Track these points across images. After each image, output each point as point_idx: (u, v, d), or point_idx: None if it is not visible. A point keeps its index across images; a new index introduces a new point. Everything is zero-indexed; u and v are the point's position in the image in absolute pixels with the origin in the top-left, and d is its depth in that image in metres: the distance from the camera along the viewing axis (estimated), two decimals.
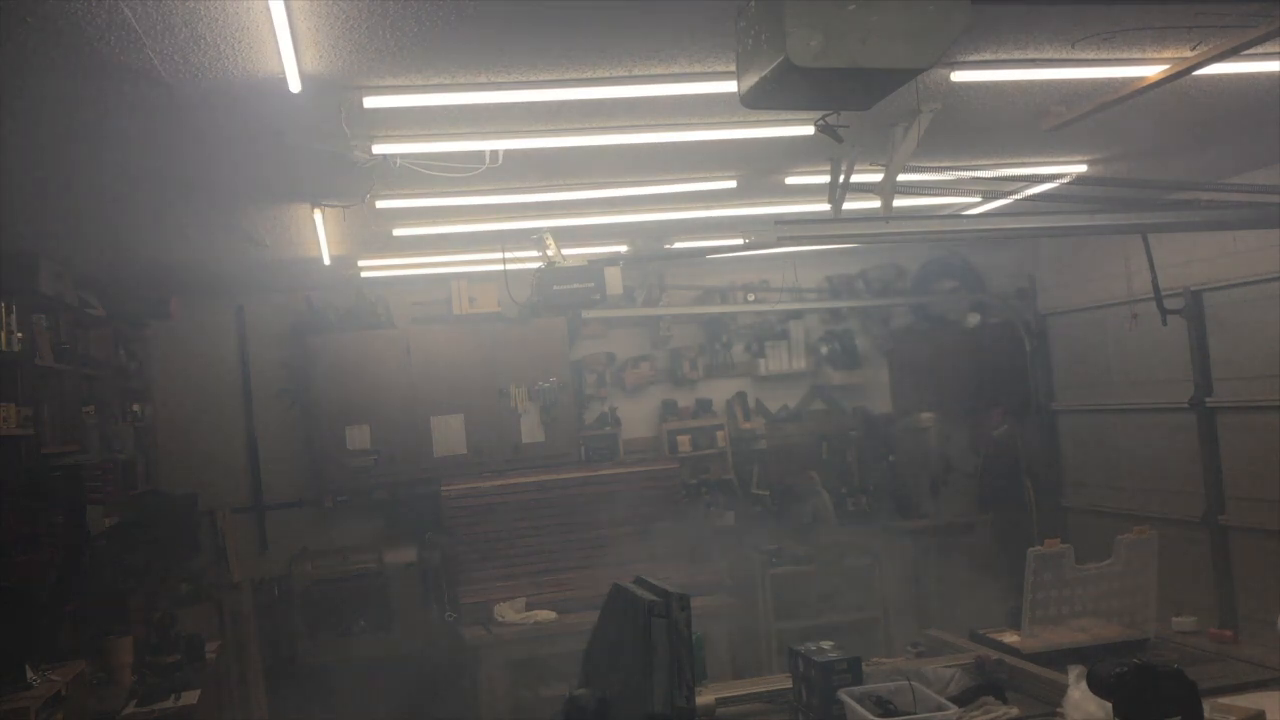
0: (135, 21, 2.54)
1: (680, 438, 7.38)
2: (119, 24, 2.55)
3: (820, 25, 2.22)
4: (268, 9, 2.51)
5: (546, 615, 5.99)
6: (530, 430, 7.02)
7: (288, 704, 6.33)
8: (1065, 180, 4.90)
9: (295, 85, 2.99)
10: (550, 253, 5.43)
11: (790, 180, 4.95)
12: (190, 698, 4.83)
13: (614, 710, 2.64)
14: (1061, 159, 5.03)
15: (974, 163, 4.86)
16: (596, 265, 5.43)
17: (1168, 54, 3.45)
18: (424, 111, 3.47)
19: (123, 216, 4.56)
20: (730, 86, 2.57)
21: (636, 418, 7.51)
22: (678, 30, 2.95)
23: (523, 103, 3.43)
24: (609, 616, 2.86)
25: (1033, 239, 6.89)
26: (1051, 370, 7.47)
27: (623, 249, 6.39)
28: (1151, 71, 3.54)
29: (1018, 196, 5.27)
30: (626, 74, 3.28)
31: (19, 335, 4.49)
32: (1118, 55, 3.44)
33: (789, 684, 3.27)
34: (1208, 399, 5.99)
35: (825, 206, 4.39)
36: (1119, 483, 6.83)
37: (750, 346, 7.65)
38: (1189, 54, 3.41)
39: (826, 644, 3.16)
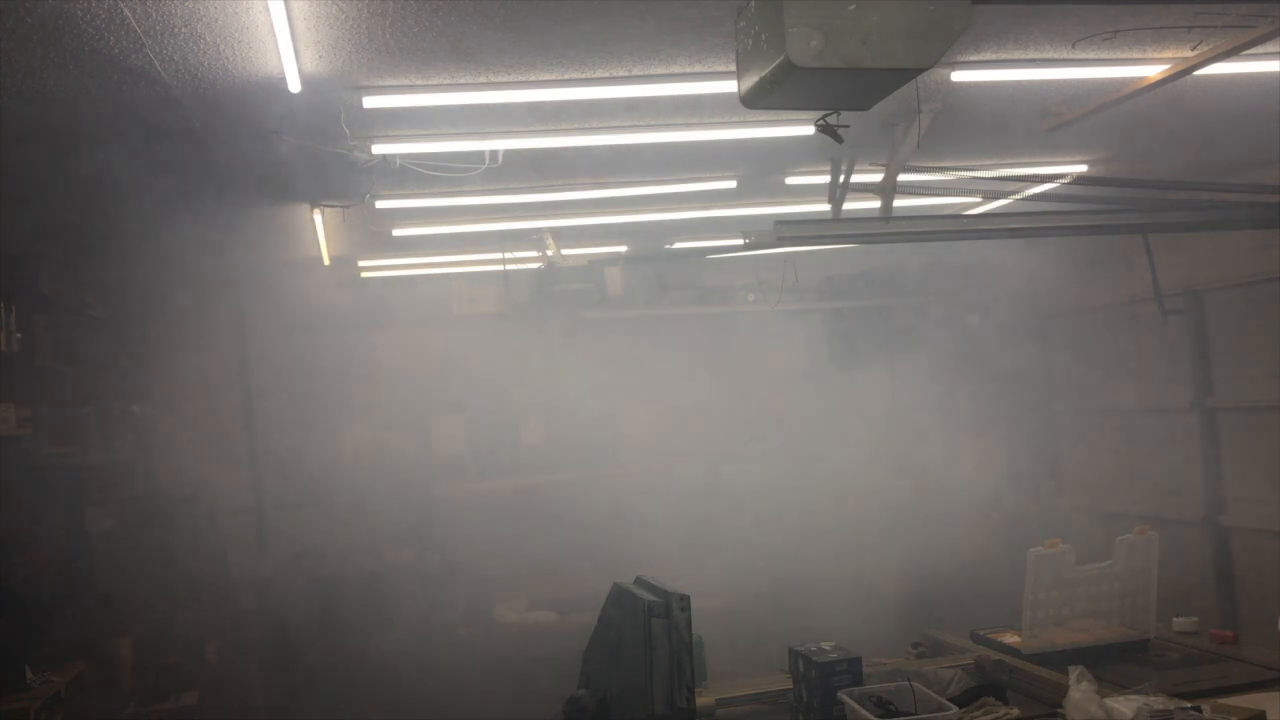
0: (135, 21, 2.54)
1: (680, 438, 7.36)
2: (119, 24, 2.55)
3: (820, 25, 2.22)
4: (267, 9, 2.51)
5: (546, 615, 5.99)
6: (530, 430, 7.01)
7: (288, 705, 6.33)
8: (1065, 180, 4.90)
9: (295, 85, 2.99)
10: (550, 253, 5.43)
11: (790, 180, 4.95)
12: (190, 698, 4.84)
13: (614, 710, 2.64)
14: (1062, 159, 5.03)
15: (974, 163, 4.86)
16: (596, 265, 5.44)
17: (1168, 54, 3.45)
18: (424, 111, 3.47)
19: (123, 217, 4.56)
20: (730, 86, 2.57)
21: (637, 418, 7.50)
22: (678, 30, 2.95)
23: (523, 103, 3.43)
24: (609, 616, 2.86)
25: (1033, 239, 6.88)
26: (1053, 370, 7.47)
27: (623, 249, 6.39)
28: (1151, 71, 3.54)
29: (1018, 196, 5.27)
30: (626, 74, 3.28)
31: (19, 335, 4.50)
32: (1118, 55, 3.44)
33: (789, 684, 3.27)
34: (1208, 399, 5.98)
35: (825, 206, 4.39)
36: (1119, 483, 6.82)
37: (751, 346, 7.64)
38: (1189, 54, 3.41)
39: (826, 644, 3.16)
